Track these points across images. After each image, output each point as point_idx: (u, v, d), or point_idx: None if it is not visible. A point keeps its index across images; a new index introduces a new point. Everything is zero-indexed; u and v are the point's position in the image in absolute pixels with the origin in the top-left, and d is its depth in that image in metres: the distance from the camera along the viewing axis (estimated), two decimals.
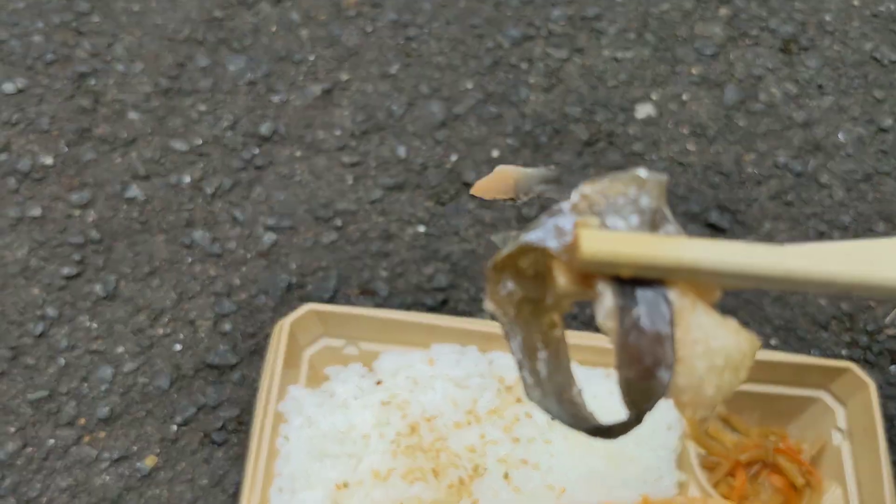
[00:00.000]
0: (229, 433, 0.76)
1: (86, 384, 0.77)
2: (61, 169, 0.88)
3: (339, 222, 0.87)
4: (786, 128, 0.97)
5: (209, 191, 0.88)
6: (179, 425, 0.76)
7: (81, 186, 0.87)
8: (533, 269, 0.42)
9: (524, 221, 0.88)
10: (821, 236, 0.90)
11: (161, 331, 0.80)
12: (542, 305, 0.43)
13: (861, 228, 0.90)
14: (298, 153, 0.91)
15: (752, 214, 0.91)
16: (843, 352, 0.84)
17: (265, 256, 0.85)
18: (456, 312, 0.83)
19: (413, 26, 1.01)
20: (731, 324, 0.39)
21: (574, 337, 0.73)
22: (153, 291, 0.82)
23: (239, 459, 0.75)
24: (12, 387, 0.77)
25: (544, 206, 0.45)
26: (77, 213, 0.86)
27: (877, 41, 1.05)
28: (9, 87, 0.93)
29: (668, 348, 0.36)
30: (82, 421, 0.76)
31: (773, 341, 0.84)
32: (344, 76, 0.97)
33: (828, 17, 1.07)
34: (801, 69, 1.02)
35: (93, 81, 0.94)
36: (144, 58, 0.96)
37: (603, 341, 0.74)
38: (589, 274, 0.38)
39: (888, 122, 0.98)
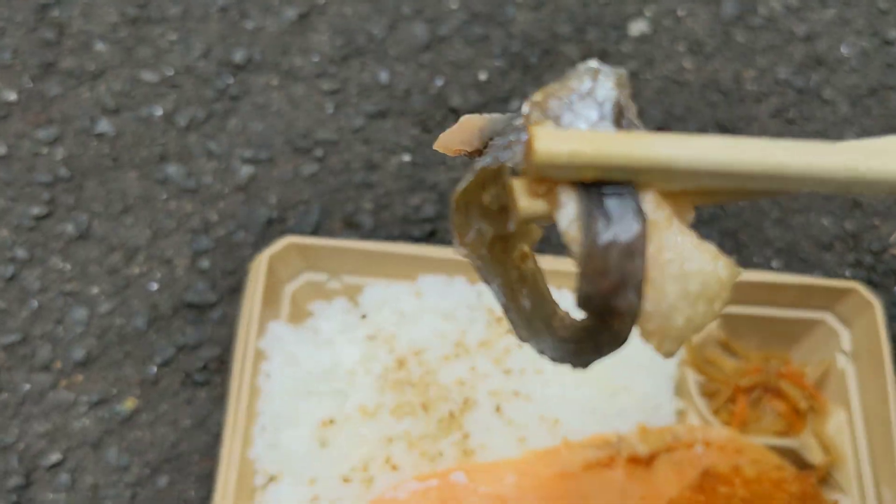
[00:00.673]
0: (211, 373, 0.73)
1: (60, 327, 0.74)
2: (26, 105, 0.84)
3: (319, 153, 0.84)
4: (786, 42, 0.93)
5: (182, 123, 0.84)
6: (159, 366, 0.73)
7: (48, 122, 0.83)
8: (497, 202, 0.38)
9: None
10: None
11: (137, 270, 0.77)
12: (513, 240, 0.39)
13: None
14: (275, 81, 0.87)
15: (753, 133, 0.87)
16: (848, 272, 0.81)
17: (243, 190, 0.81)
18: (444, 243, 0.79)
19: None
20: (710, 248, 0.34)
21: (553, 263, 0.70)
22: (127, 230, 0.79)
23: (222, 400, 0.72)
24: None
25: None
26: (45, 150, 0.82)
27: None
28: None
29: (639, 264, 0.32)
30: (58, 364, 0.73)
31: (774, 263, 0.81)
32: None
33: None
34: None
35: (56, 12, 0.89)
36: None
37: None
38: (551, 185, 0.33)
39: (894, 33, 0.94)
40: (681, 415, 0.70)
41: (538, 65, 0.89)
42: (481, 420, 0.68)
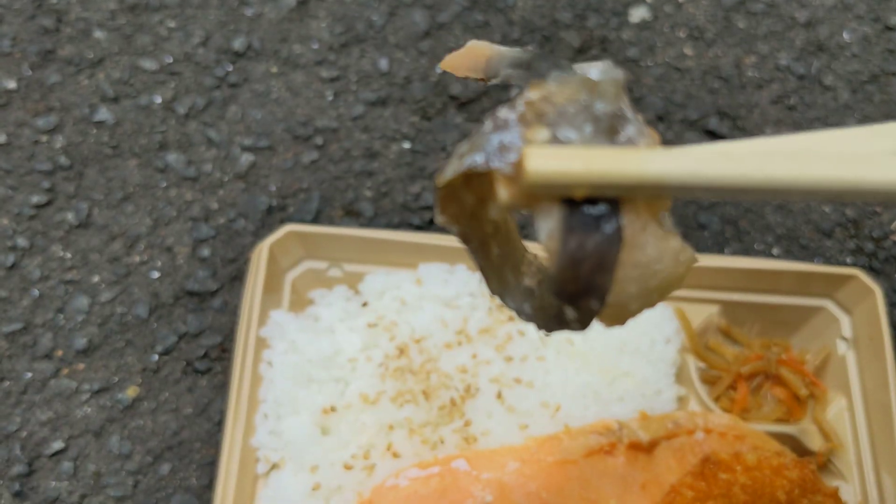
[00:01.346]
0: (212, 361, 0.73)
1: (62, 315, 0.74)
2: (25, 93, 0.84)
3: (319, 141, 0.83)
4: (788, 28, 0.93)
5: (182, 111, 0.84)
6: (161, 354, 0.73)
7: (48, 111, 0.83)
8: (477, 193, 0.39)
9: None
10: None
11: (137, 258, 0.77)
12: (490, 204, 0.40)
13: None
14: (274, 69, 0.87)
15: (753, 120, 0.87)
16: (848, 259, 0.81)
17: (243, 178, 0.81)
18: (445, 231, 0.79)
19: None
20: (674, 242, 0.35)
21: None
22: (128, 218, 0.79)
23: (223, 387, 0.72)
24: None
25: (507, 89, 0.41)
26: (44, 138, 0.82)
27: None
28: None
29: (607, 279, 0.33)
30: (60, 353, 0.73)
31: (775, 250, 0.81)
32: None
33: None
34: None
35: (55, 0, 0.89)
36: None
37: None
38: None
39: (895, 19, 0.93)
40: (681, 401, 0.71)
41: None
42: (483, 407, 0.68)
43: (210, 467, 0.69)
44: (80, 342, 0.73)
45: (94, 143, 0.82)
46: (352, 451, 0.65)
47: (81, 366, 0.73)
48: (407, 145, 0.84)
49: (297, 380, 0.67)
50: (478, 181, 0.38)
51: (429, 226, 0.80)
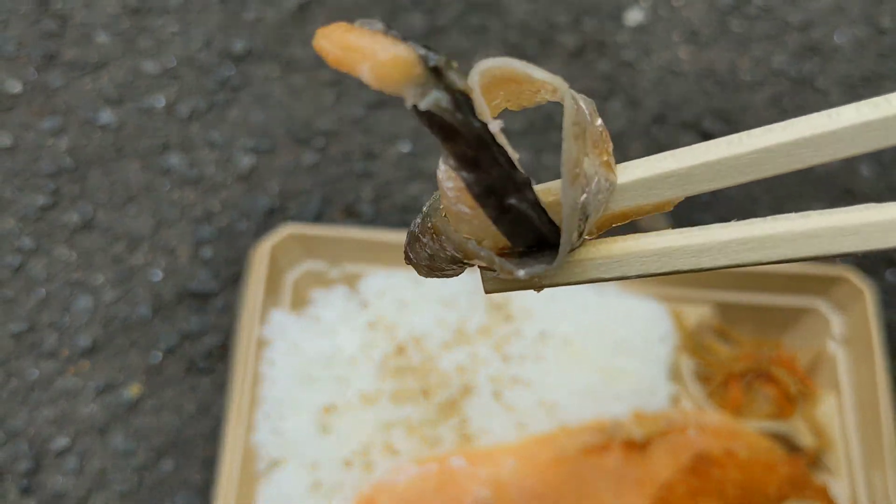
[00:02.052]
0: (215, 360, 0.75)
1: (67, 315, 0.76)
2: (31, 96, 0.85)
3: (320, 143, 0.85)
4: (781, 31, 0.94)
5: (184, 114, 0.85)
6: (164, 354, 0.75)
7: (52, 113, 0.84)
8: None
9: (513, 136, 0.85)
10: None
11: (141, 259, 0.78)
12: None
13: None
14: (275, 72, 0.88)
15: (747, 122, 0.88)
16: (839, 259, 0.82)
17: (245, 180, 0.82)
18: None
19: None
20: None
21: None
22: (131, 219, 0.80)
23: (225, 386, 0.74)
24: None
25: None
26: (49, 141, 0.83)
27: None
28: None
29: None
30: (65, 352, 0.74)
31: None
32: None
33: None
34: None
35: (59, 4, 0.90)
36: None
37: None
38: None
39: (887, 23, 0.95)
40: (675, 399, 0.72)
41: (535, 55, 0.90)
42: (481, 406, 0.69)
43: (212, 464, 0.71)
44: (85, 341, 0.75)
45: (97, 145, 0.83)
46: (351, 448, 0.66)
47: (86, 365, 0.74)
48: (406, 147, 0.85)
49: (298, 379, 0.69)
50: None
51: None
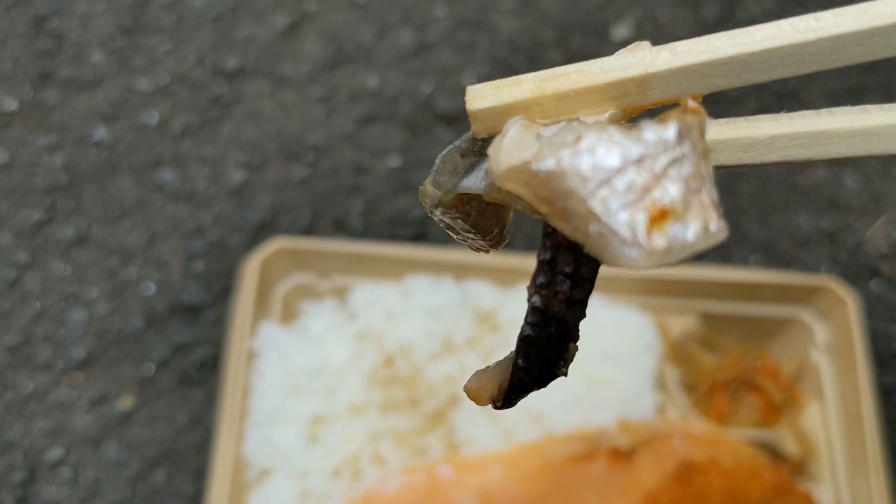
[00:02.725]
0: (207, 372, 0.76)
1: (61, 328, 0.77)
2: (27, 113, 0.87)
3: (310, 158, 0.86)
4: None
5: (177, 130, 0.87)
6: (156, 366, 0.76)
7: (48, 130, 0.86)
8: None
9: None
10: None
11: (134, 273, 0.80)
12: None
13: None
14: (267, 89, 0.89)
15: None
16: (824, 268, 0.84)
17: (236, 195, 0.84)
18: (432, 244, 0.82)
19: None
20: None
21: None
22: (125, 234, 0.81)
23: (217, 398, 0.75)
24: None
25: None
26: (45, 157, 0.85)
27: None
28: None
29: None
30: (59, 364, 0.76)
31: (752, 260, 0.83)
32: (311, 7, 0.94)
33: None
34: None
35: (55, 23, 0.92)
36: None
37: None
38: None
39: None
40: (660, 408, 0.73)
41: (523, 71, 0.92)
42: (467, 415, 0.70)
43: (204, 474, 0.72)
44: (79, 354, 0.76)
45: (92, 161, 0.85)
46: (340, 458, 0.67)
47: (80, 377, 0.75)
48: (395, 162, 0.86)
49: (287, 390, 0.70)
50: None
51: (416, 239, 0.83)
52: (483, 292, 0.75)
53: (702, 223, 0.26)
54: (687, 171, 0.26)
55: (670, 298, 0.76)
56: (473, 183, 0.31)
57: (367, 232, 0.83)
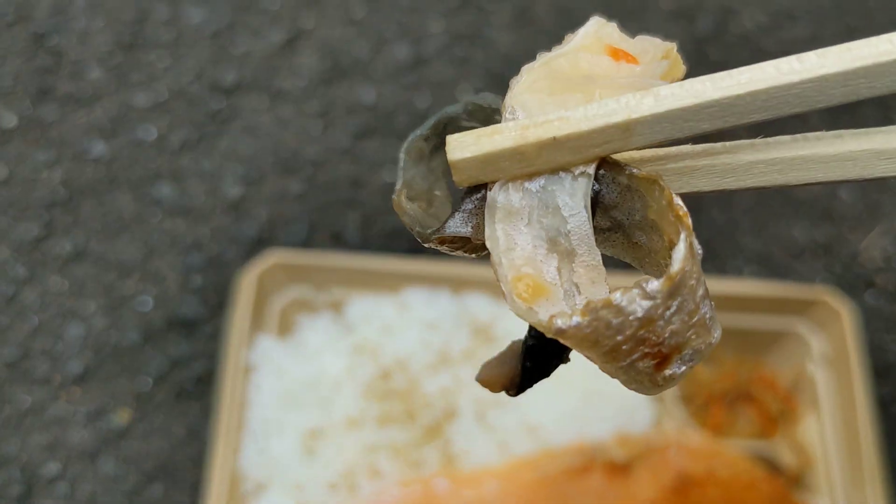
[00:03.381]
0: (203, 386, 0.76)
1: (59, 342, 0.77)
2: (26, 129, 0.87)
3: (307, 172, 0.87)
4: (759, 59, 0.95)
5: (175, 145, 0.87)
6: (153, 380, 0.76)
7: (47, 146, 0.86)
8: None
9: None
10: None
11: (132, 287, 0.80)
12: None
13: None
14: (264, 103, 0.90)
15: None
16: (818, 279, 0.84)
17: (234, 209, 0.84)
18: (428, 257, 0.82)
19: None
20: None
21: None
22: (122, 248, 0.82)
23: (213, 411, 0.75)
24: None
25: None
26: (44, 173, 0.85)
27: None
28: None
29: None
30: (57, 379, 0.76)
31: (747, 270, 0.84)
32: (307, 23, 0.95)
33: None
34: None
35: (54, 40, 0.92)
36: (104, 13, 0.94)
37: None
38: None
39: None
40: (657, 421, 0.73)
41: None
42: (464, 428, 0.70)
43: (201, 487, 0.72)
44: (77, 368, 0.76)
45: (90, 176, 0.85)
46: (336, 470, 0.68)
47: (78, 391, 0.75)
48: (391, 176, 0.87)
49: (284, 402, 0.70)
50: None
51: (412, 252, 0.83)
52: (479, 305, 0.75)
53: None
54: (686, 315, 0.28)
55: None
56: (459, 227, 0.31)
57: (364, 245, 0.83)
